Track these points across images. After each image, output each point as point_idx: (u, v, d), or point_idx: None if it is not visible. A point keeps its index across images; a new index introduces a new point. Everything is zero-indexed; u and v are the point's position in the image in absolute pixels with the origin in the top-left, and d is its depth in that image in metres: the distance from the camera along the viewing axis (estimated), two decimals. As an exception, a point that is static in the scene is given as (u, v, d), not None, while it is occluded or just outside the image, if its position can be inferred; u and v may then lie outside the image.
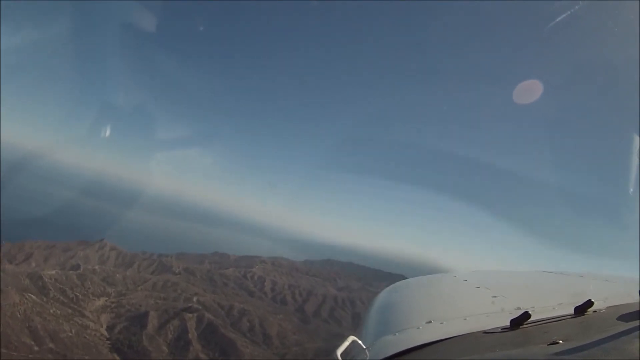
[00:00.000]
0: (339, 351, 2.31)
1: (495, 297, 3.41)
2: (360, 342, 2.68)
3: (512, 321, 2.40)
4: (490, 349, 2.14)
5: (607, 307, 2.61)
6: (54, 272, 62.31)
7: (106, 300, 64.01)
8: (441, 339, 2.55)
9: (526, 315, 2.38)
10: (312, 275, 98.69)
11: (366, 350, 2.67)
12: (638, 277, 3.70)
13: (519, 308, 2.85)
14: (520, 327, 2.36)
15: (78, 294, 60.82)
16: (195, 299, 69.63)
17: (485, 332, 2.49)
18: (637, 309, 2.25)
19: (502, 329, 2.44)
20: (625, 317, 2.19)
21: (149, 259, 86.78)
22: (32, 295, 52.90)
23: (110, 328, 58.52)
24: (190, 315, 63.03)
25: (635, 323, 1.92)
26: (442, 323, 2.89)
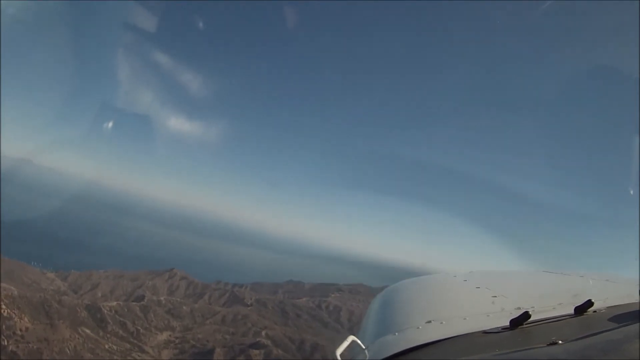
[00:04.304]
0: (339, 351, 2.21)
1: (495, 297, 3.34)
2: (359, 342, 2.56)
3: (511, 321, 2.36)
4: (490, 349, 2.09)
5: (607, 307, 2.61)
6: (114, 303, 59.09)
7: (170, 335, 59.38)
8: (441, 339, 2.51)
9: (526, 315, 2.33)
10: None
11: (365, 350, 2.59)
12: (638, 277, 3.53)
13: (519, 308, 2.80)
14: (520, 327, 2.33)
15: (139, 328, 56.76)
16: (264, 333, 63.55)
17: (485, 332, 2.45)
18: (637, 309, 2.26)
19: (501, 328, 2.40)
20: (625, 318, 2.18)
21: (221, 290, 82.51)
22: (86, 329, 49.35)
23: (171, 365, 53.52)
24: (257, 351, 56.73)
25: (636, 323, 1.92)
26: (442, 323, 2.84)
